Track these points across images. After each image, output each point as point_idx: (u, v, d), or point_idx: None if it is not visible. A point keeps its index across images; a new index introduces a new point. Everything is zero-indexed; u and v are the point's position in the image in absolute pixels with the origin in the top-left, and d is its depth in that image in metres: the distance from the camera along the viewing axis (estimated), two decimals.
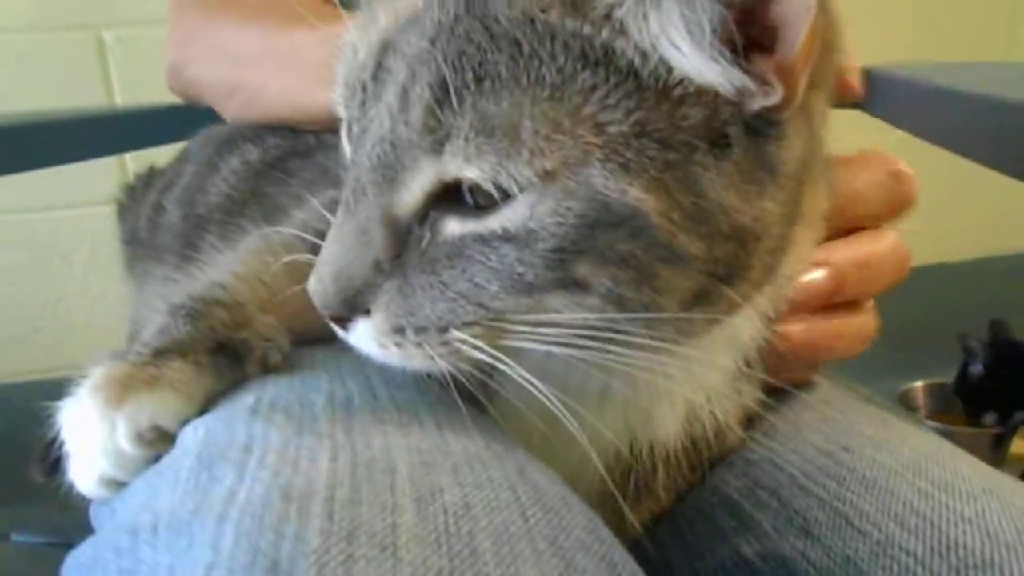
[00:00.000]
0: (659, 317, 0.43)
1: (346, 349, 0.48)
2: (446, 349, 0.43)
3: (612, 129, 0.39)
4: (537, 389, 0.43)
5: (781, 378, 0.54)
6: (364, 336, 0.45)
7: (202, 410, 0.47)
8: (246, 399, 0.46)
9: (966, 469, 0.49)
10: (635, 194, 0.39)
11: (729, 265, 0.43)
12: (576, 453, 0.49)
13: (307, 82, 0.77)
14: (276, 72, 0.82)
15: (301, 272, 0.53)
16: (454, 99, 0.40)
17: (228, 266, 0.56)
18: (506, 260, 0.41)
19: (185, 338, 0.49)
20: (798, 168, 0.45)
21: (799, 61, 0.40)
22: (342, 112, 0.48)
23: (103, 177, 1.63)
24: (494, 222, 0.41)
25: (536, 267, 0.41)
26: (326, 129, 0.76)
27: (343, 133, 0.49)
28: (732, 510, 0.52)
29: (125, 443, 0.44)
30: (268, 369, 0.50)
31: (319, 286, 0.45)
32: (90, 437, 0.45)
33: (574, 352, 0.43)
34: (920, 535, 0.44)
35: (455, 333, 0.43)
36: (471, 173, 0.40)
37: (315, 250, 0.52)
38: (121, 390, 0.45)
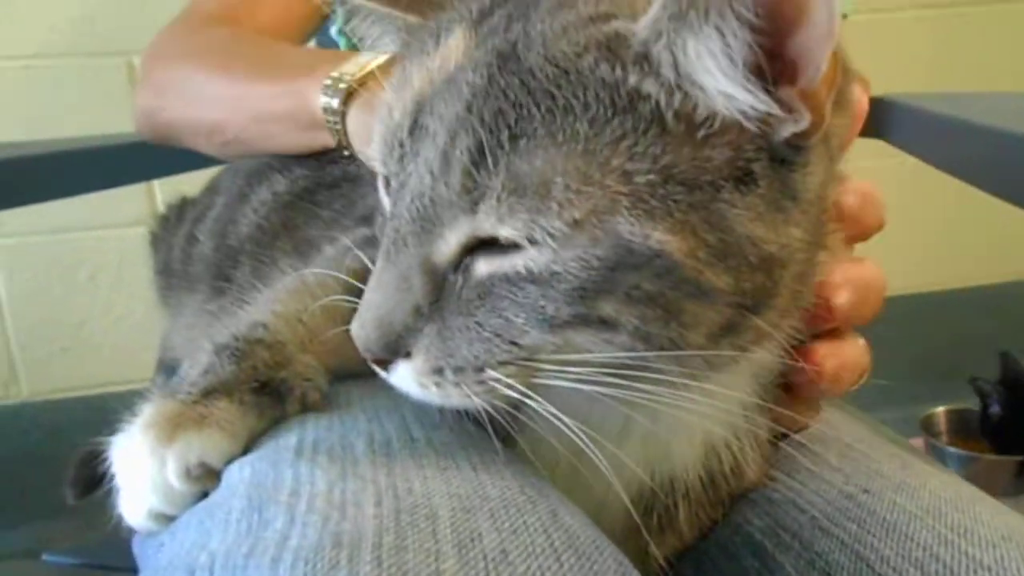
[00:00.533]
0: (688, 354, 0.44)
1: (382, 386, 0.49)
2: (482, 388, 0.45)
3: (639, 178, 0.41)
4: (564, 424, 0.44)
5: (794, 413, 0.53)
6: (405, 377, 0.47)
7: (246, 448, 0.49)
8: (289, 439, 0.48)
9: (985, 514, 0.51)
10: (659, 237, 0.41)
11: (757, 295, 0.44)
12: (601, 485, 0.50)
13: (274, 132, 0.81)
14: (248, 121, 0.85)
15: (338, 312, 0.55)
16: (489, 161, 0.42)
17: (268, 305, 0.58)
18: (531, 297, 0.43)
19: (230, 378, 0.51)
20: (820, 193, 0.46)
21: (824, 86, 0.42)
22: (379, 168, 0.50)
23: (128, 199, 1.67)
24: (519, 261, 0.43)
25: (559, 305, 0.42)
26: None
27: (380, 186, 0.51)
28: (755, 550, 0.54)
29: (174, 479, 0.46)
30: (307, 407, 0.53)
31: (362, 331, 0.47)
32: (141, 472, 0.47)
33: (602, 389, 0.44)
34: None
35: (490, 372, 0.44)
36: (505, 232, 0.42)
37: (350, 290, 0.55)
38: (171, 428, 0.47)
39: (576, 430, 0.44)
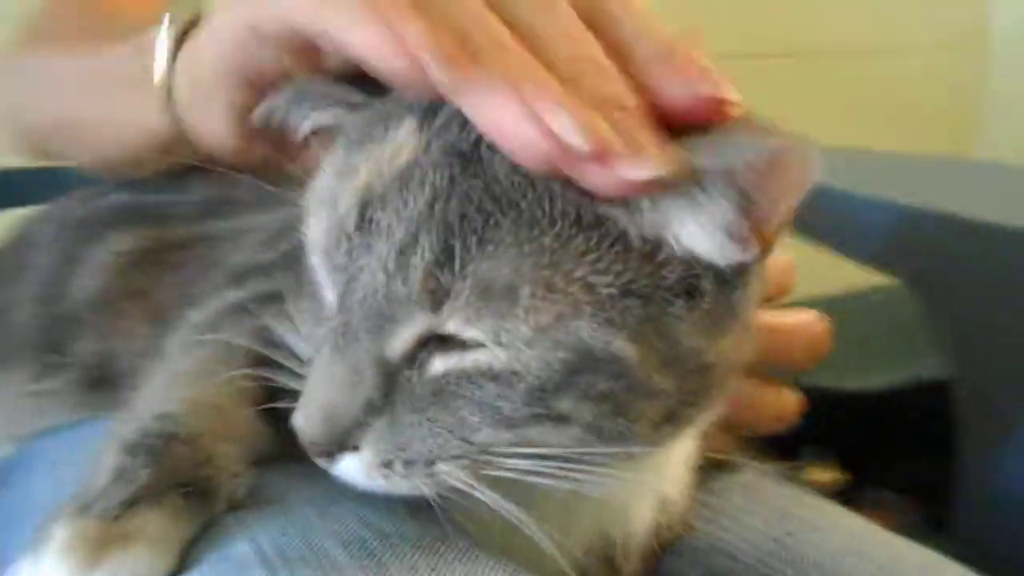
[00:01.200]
0: (633, 448, 0.45)
1: (306, 474, 0.47)
2: (432, 480, 0.44)
3: (602, 290, 0.42)
4: (507, 511, 0.44)
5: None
6: (351, 469, 0.45)
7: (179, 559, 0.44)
8: (239, 548, 0.43)
9: (902, 548, 0.55)
10: (619, 345, 0.42)
11: (694, 393, 0.46)
12: (536, 554, 0.49)
13: (129, 102, 0.69)
14: (92, 99, 0.75)
15: (248, 390, 0.52)
16: (456, 264, 0.41)
17: (169, 391, 0.52)
18: (488, 396, 0.42)
19: (150, 482, 0.45)
20: (755, 305, 0.48)
21: (780, 224, 0.44)
22: (317, 257, 0.47)
23: None
24: (477, 359, 0.42)
25: (517, 404, 0.42)
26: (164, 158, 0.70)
27: (320, 273, 0.48)
28: None
29: None
30: (233, 505, 0.48)
31: (308, 425, 0.44)
32: None
33: (551, 480, 0.45)
34: None
35: (440, 466, 0.44)
36: (469, 334, 0.42)
37: (254, 362, 0.51)
38: (94, 550, 0.41)
39: (518, 515, 0.45)
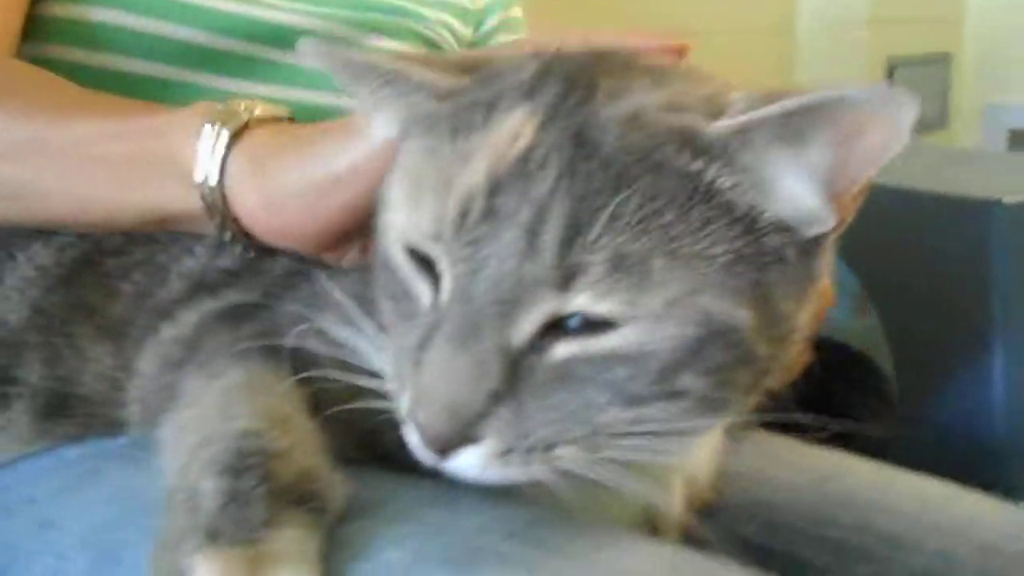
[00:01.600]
0: (724, 418, 0.48)
1: (377, 479, 0.47)
2: (546, 466, 0.45)
3: (720, 259, 0.44)
4: (630, 487, 0.45)
5: None
6: (467, 462, 0.44)
7: None
8: (391, 555, 0.42)
9: (918, 480, 0.62)
10: (738, 314, 0.44)
11: (776, 360, 0.49)
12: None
13: (101, 179, 0.63)
14: (50, 168, 0.65)
15: (302, 398, 0.50)
16: (587, 238, 0.42)
17: (230, 408, 0.49)
18: (618, 378, 0.43)
19: (268, 502, 0.42)
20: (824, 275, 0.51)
21: (859, 194, 0.47)
22: (428, 247, 0.46)
23: None
24: (606, 343, 0.43)
25: (646, 383, 0.44)
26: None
27: (411, 269, 0.48)
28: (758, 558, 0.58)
29: None
30: (338, 519, 0.46)
31: (430, 421, 0.43)
32: None
33: (653, 457, 0.46)
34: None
35: (559, 451, 0.44)
36: (601, 309, 0.42)
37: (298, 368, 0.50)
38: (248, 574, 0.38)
39: (644, 490, 0.47)
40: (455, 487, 0.48)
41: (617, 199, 0.42)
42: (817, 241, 0.48)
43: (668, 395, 0.44)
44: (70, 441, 0.65)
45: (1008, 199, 0.93)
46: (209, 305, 0.62)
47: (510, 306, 0.43)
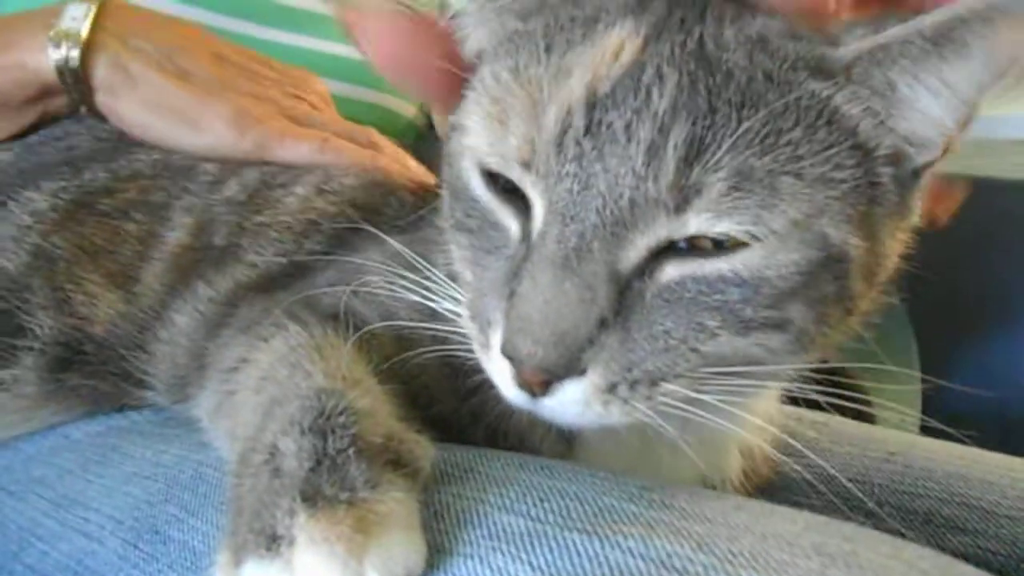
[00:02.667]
0: (808, 361, 0.46)
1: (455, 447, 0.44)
2: (648, 404, 0.42)
3: (841, 185, 0.42)
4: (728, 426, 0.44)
5: None
6: (570, 398, 0.41)
7: None
8: (502, 519, 0.38)
9: (971, 451, 0.61)
10: (854, 241, 0.42)
11: (864, 300, 0.46)
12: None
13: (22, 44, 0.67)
14: None
15: (367, 353, 0.47)
16: (709, 156, 0.39)
17: (298, 367, 0.44)
18: (730, 300, 0.41)
19: (362, 462, 0.38)
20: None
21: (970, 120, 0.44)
22: (516, 172, 0.43)
23: None
24: (723, 265, 0.41)
25: (759, 308, 0.41)
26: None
27: (492, 198, 0.45)
28: None
29: None
30: (424, 483, 0.41)
31: (536, 348, 0.40)
32: None
33: (742, 399, 0.44)
34: None
35: (664, 386, 0.42)
36: (721, 227, 0.40)
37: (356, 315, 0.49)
38: (354, 539, 0.34)
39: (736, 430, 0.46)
40: (533, 453, 0.46)
41: (744, 114, 0.40)
42: (916, 174, 0.46)
43: (775, 324, 0.42)
44: (77, 404, 0.60)
45: None
46: (242, 272, 0.59)
47: (621, 227, 0.40)
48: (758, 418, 0.52)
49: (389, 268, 0.51)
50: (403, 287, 0.49)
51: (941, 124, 0.43)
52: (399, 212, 0.62)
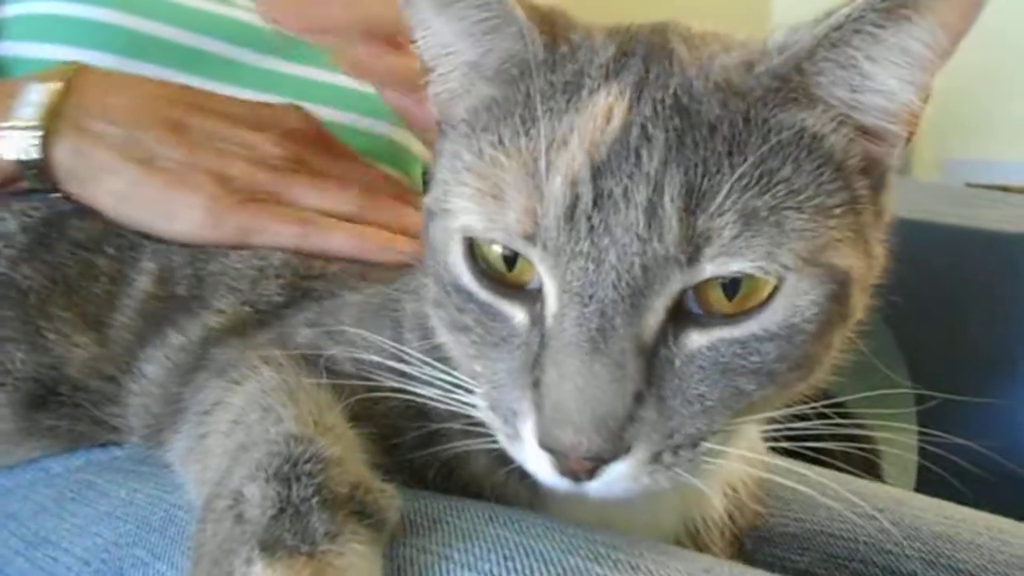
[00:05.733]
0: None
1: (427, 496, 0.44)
2: (690, 466, 0.41)
3: (836, 210, 0.42)
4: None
5: None
6: (619, 476, 0.40)
7: None
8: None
9: (965, 510, 0.60)
10: (855, 263, 0.42)
11: (859, 313, 0.46)
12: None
13: None
14: None
15: (330, 401, 0.46)
16: (710, 202, 0.39)
17: (269, 412, 0.44)
18: (768, 358, 0.41)
19: (326, 512, 0.37)
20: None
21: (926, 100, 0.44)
22: (515, 243, 0.42)
23: None
24: (753, 325, 0.41)
25: (793, 357, 0.42)
26: None
27: (485, 288, 0.44)
28: None
29: None
30: (393, 535, 0.41)
31: (578, 438, 0.39)
32: None
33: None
34: None
35: (705, 445, 0.41)
36: (736, 266, 0.39)
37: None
38: None
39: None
40: (504, 503, 0.45)
41: (735, 161, 0.39)
42: (882, 178, 0.45)
43: (798, 364, 0.42)
44: (55, 443, 0.60)
45: None
46: (214, 319, 0.59)
47: (638, 296, 0.39)
48: (743, 446, 0.51)
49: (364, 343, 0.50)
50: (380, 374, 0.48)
51: (906, 99, 0.43)
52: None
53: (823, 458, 0.49)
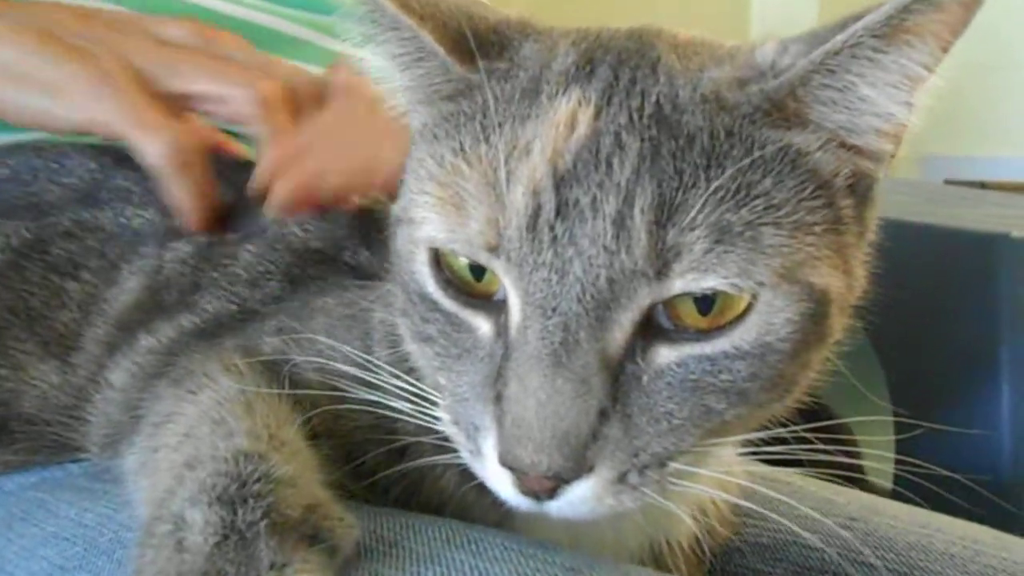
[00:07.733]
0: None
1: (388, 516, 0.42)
2: (657, 487, 0.40)
3: (816, 228, 0.41)
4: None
5: None
6: (579, 497, 0.39)
7: None
8: None
9: (939, 519, 0.59)
10: (834, 282, 0.41)
11: (837, 334, 0.45)
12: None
13: None
14: None
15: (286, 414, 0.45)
16: (682, 217, 0.38)
17: (221, 426, 0.42)
18: (739, 376, 0.40)
19: (278, 539, 0.35)
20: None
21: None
22: (479, 255, 0.40)
23: None
24: (724, 342, 0.39)
25: (766, 377, 0.40)
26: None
27: (450, 297, 0.42)
28: None
29: None
30: (347, 560, 0.39)
31: (538, 456, 0.38)
32: None
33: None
34: None
35: (672, 465, 0.40)
36: (708, 283, 0.38)
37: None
38: None
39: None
40: (466, 522, 0.44)
41: (712, 174, 0.38)
42: (867, 193, 0.44)
43: (773, 385, 0.41)
44: (9, 468, 0.58)
45: (1016, 233, 0.93)
46: (187, 319, 0.57)
47: (604, 309, 0.38)
48: (717, 469, 0.50)
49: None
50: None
51: (899, 119, 0.42)
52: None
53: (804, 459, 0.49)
